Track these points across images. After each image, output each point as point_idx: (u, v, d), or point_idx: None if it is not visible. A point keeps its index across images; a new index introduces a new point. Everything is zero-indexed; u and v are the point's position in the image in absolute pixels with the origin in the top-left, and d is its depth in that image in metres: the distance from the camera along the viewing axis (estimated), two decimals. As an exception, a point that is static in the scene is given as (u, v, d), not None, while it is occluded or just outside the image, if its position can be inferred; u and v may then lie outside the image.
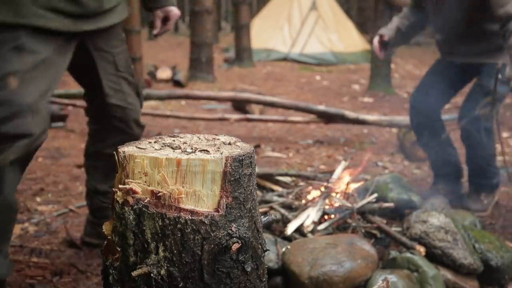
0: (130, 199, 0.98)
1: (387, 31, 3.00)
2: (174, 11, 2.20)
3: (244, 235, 1.01)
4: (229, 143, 1.11)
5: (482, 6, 2.60)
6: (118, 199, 0.99)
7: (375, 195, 2.43)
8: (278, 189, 2.78)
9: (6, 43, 1.63)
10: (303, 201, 2.50)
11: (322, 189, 2.50)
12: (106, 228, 1.02)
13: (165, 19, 2.22)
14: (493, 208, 2.90)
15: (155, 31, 2.22)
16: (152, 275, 0.97)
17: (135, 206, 0.97)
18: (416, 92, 3.08)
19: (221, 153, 1.02)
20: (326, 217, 2.36)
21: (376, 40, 3.01)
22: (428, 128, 3.00)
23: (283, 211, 2.38)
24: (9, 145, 1.60)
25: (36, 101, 1.66)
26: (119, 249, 1.00)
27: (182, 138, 1.14)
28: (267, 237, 2.12)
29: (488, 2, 2.53)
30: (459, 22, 2.72)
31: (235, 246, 0.99)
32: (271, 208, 2.43)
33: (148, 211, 0.97)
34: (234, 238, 1.00)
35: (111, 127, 2.09)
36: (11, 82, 1.60)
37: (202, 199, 0.99)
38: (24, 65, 1.64)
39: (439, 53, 3.03)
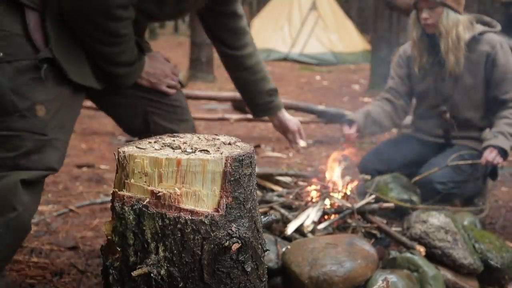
0: (129, 201, 0.98)
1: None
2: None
3: (244, 235, 1.01)
4: (229, 143, 1.11)
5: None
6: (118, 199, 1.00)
7: (375, 195, 2.43)
8: (278, 189, 2.77)
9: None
10: (307, 197, 2.49)
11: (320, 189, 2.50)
12: (106, 228, 1.02)
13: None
14: (493, 208, 2.90)
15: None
16: (152, 275, 0.97)
17: (135, 206, 0.97)
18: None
19: (221, 153, 1.02)
20: (326, 217, 2.36)
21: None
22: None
23: (283, 211, 2.38)
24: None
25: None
26: (119, 249, 1.00)
27: (182, 138, 1.14)
28: (267, 237, 2.12)
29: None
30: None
31: (235, 246, 0.99)
32: (271, 208, 2.43)
33: (148, 211, 0.97)
34: (234, 238, 1.00)
35: None
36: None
37: (202, 199, 0.99)
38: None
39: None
